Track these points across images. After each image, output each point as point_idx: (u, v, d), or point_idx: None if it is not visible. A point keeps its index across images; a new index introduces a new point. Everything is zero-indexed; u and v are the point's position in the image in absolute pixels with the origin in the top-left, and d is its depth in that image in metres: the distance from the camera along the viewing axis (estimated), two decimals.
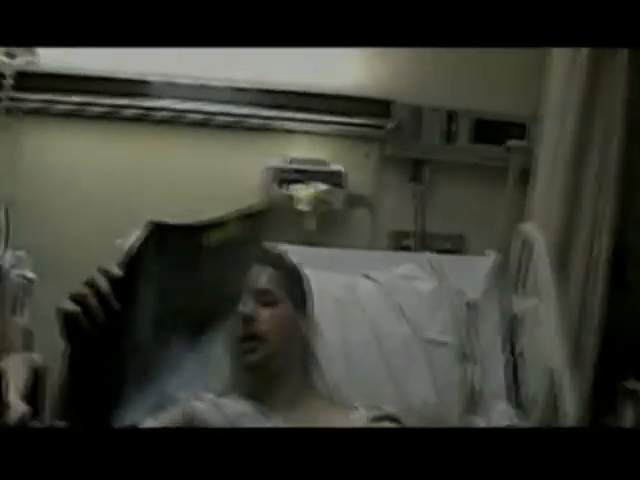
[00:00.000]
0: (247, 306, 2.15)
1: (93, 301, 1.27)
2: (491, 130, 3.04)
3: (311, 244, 2.79)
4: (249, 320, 2.14)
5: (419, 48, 2.88)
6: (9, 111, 2.75)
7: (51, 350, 2.76)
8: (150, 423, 1.90)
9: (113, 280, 1.28)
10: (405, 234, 3.09)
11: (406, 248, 3.06)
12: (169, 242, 1.32)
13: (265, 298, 2.18)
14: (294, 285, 2.28)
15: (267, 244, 2.38)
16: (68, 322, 1.30)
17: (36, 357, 2.67)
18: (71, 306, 1.30)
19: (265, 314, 2.16)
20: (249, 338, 2.14)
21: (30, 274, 2.62)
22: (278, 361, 2.16)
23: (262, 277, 2.22)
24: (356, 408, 2.14)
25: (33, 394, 2.02)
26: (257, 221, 1.44)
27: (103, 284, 1.28)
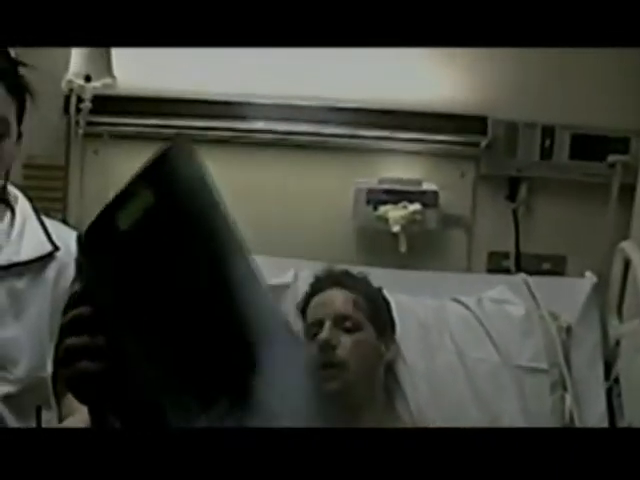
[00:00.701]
0: (326, 332, 2.09)
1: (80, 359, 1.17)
2: (591, 145, 2.89)
3: (404, 266, 2.71)
4: (329, 347, 2.08)
5: (512, 62, 2.82)
6: (88, 135, 2.76)
7: None
8: None
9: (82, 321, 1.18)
10: (504, 255, 2.97)
11: (506, 269, 2.94)
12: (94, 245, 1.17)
13: (346, 324, 2.12)
14: (377, 310, 2.21)
15: (350, 267, 2.32)
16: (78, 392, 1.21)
17: None
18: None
19: (346, 340, 2.10)
20: (328, 365, 2.08)
21: None
22: (359, 389, 2.09)
23: (343, 301, 2.16)
24: None
25: None
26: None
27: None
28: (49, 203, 2.55)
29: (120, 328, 1.15)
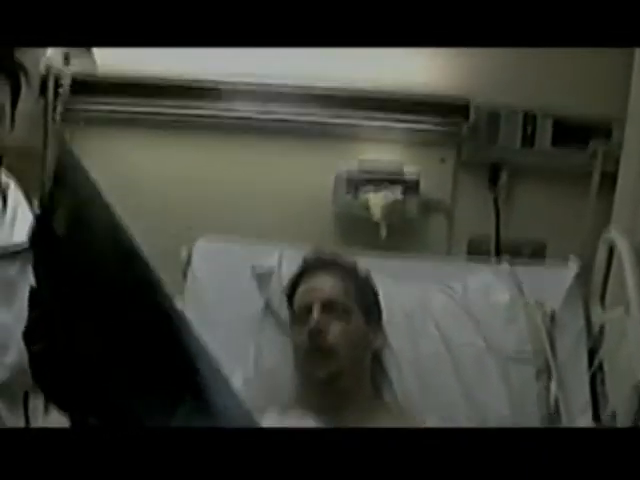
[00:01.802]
0: (315, 318, 2.06)
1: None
2: (573, 132, 2.88)
3: (384, 253, 2.69)
4: (318, 333, 2.05)
5: (492, 48, 2.81)
6: (66, 119, 2.71)
7: None
8: None
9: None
10: (484, 242, 2.96)
11: (485, 256, 2.93)
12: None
13: (335, 310, 2.10)
14: (365, 297, 2.19)
15: (338, 253, 2.29)
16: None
17: None
18: None
19: (335, 327, 2.08)
20: (318, 352, 2.05)
21: None
22: (348, 376, 2.08)
23: (332, 287, 2.14)
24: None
25: None
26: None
27: None
28: (25, 188, 2.50)
29: (80, 330, 1.14)
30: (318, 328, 2.04)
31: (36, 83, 2.65)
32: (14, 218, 1.88)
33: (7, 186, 1.93)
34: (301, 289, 2.17)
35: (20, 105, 2.51)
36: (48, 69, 2.60)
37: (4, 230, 1.84)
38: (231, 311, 2.35)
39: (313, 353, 2.05)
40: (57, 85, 2.63)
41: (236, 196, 2.85)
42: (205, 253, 2.45)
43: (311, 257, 2.24)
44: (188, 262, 2.43)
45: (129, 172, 2.83)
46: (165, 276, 2.48)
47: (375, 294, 2.22)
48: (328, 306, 2.09)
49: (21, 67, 1.86)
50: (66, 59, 2.52)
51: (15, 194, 1.93)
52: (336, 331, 2.06)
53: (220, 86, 2.81)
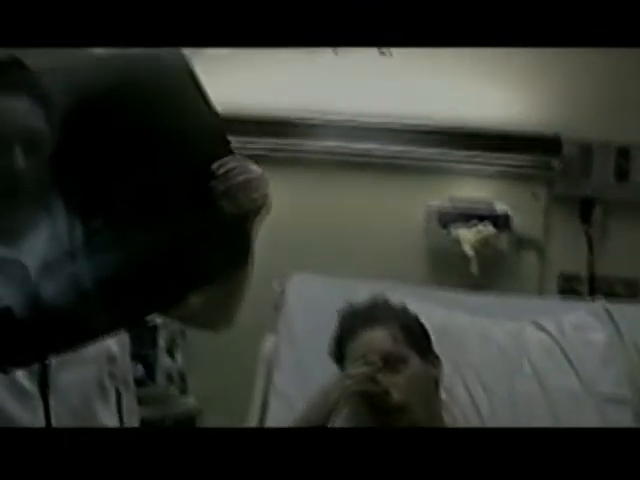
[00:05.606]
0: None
1: None
2: None
3: (475, 288, 2.67)
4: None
5: (585, 81, 2.79)
6: None
7: (204, 393, 2.77)
8: None
9: None
10: (576, 278, 2.93)
11: (577, 293, 2.90)
12: None
13: (391, 362, 2.02)
14: (416, 336, 2.11)
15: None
16: None
17: (191, 400, 2.67)
18: None
19: (397, 380, 2.01)
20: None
21: None
22: (424, 418, 2.00)
23: (383, 339, 2.06)
24: None
25: None
26: None
27: None
28: None
29: None
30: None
31: None
32: None
33: None
34: (350, 350, 2.09)
35: None
36: None
37: None
38: (324, 346, 2.34)
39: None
40: None
41: (328, 231, 2.87)
42: (299, 288, 2.45)
43: (349, 312, 2.16)
44: (281, 296, 2.44)
45: None
46: (257, 309, 2.51)
47: (421, 326, 2.13)
48: (383, 359, 2.02)
49: None
50: None
51: None
52: (400, 386, 2.00)
53: (312, 123, 2.84)
